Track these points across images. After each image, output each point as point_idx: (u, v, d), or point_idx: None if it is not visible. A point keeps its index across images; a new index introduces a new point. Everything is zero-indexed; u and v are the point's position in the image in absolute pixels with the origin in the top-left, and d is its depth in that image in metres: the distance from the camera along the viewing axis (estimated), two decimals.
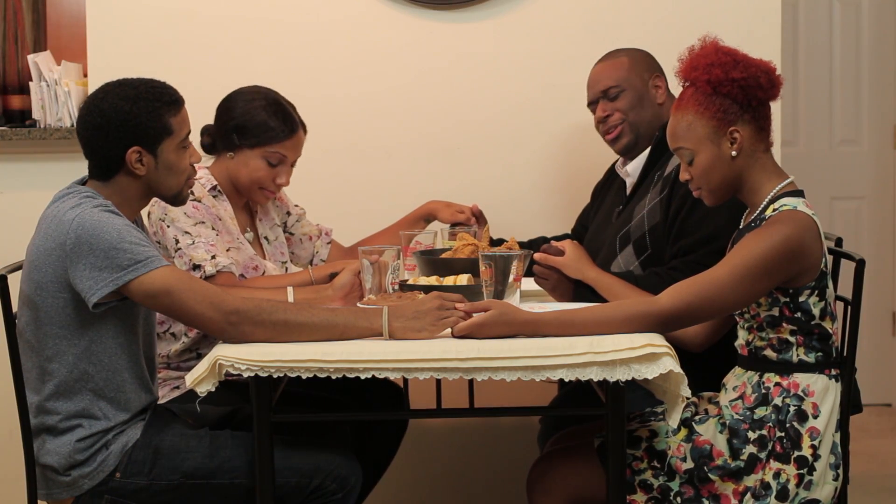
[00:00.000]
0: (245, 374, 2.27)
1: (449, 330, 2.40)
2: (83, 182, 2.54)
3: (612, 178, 3.27)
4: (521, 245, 2.96)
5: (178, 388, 2.86)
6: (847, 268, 2.67)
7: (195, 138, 2.88)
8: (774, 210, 2.47)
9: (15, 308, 2.56)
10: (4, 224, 3.70)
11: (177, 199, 2.59)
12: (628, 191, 3.10)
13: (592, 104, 3.15)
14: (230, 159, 3.02)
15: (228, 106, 3.03)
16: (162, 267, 2.38)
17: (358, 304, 2.57)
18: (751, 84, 2.49)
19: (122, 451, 2.46)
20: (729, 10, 3.65)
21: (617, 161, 3.20)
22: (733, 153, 2.50)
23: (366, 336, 2.38)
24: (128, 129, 2.47)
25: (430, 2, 3.65)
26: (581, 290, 2.73)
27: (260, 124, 2.98)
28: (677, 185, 2.87)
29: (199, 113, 3.08)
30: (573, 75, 3.46)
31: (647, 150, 3.05)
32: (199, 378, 2.29)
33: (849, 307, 2.59)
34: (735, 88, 2.48)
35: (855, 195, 5.39)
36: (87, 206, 2.41)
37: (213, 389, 2.30)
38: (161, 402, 2.75)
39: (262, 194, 3.05)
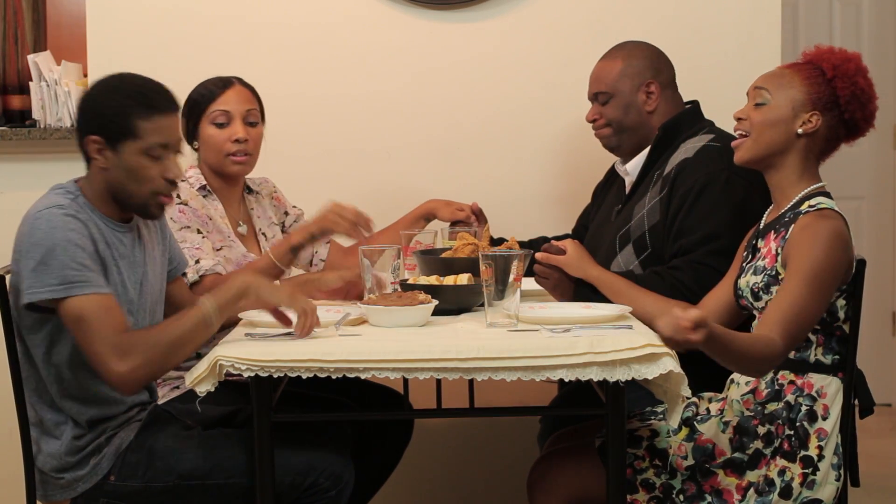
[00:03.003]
0: (245, 374, 2.27)
1: (450, 330, 2.41)
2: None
3: (612, 179, 3.27)
4: (522, 245, 2.96)
5: (177, 387, 2.86)
6: None
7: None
8: (811, 207, 2.48)
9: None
10: (4, 224, 3.68)
11: (142, 211, 2.48)
12: (627, 190, 3.10)
13: (589, 101, 3.16)
14: (199, 150, 3.08)
15: None
16: (84, 296, 2.32)
17: (358, 304, 2.57)
18: (860, 98, 2.53)
19: (115, 454, 2.46)
20: (729, 10, 3.64)
21: (616, 160, 3.20)
22: (799, 131, 2.52)
23: (238, 299, 2.39)
24: (91, 117, 2.43)
25: (430, 2, 3.65)
26: (582, 290, 2.73)
27: (194, 97, 3.06)
28: (677, 185, 2.87)
29: None
30: (574, 75, 3.46)
31: (647, 150, 3.05)
32: (199, 378, 2.29)
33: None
34: (847, 89, 2.52)
35: (855, 195, 5.39)
36: (44, 207, 2.38)
37: (213, 389, 2.30)
38: (161, 401, 2.75)
39: (230, 162, 3.04)
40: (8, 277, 2.49)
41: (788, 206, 2.54)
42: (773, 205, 2.60)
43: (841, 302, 2.47)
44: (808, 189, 2.54)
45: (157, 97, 2.44)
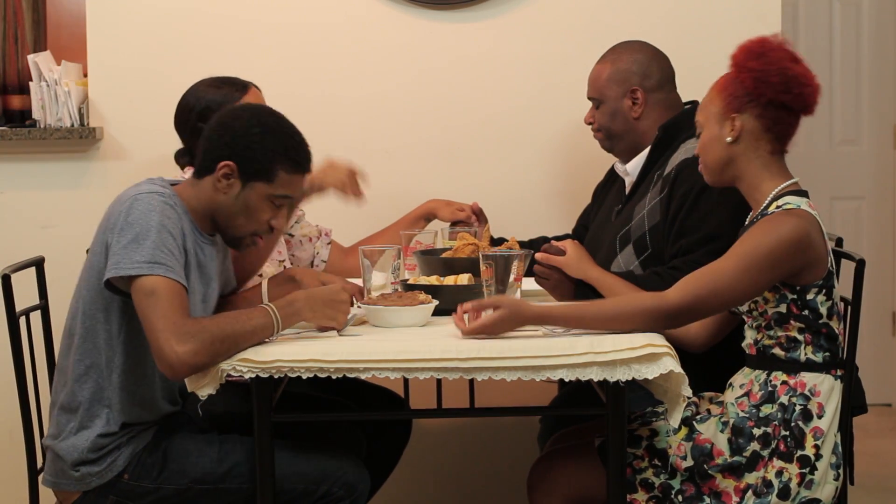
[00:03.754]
0: (246, 376, 2.28)
1: (449, 329, 2.40)
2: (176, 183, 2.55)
3: (612, 179, 3.27)
4: (522, 245, 2.96)
5: None
6: (847, 268, 2.67)
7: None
8: (778, 207, 2.48)
9: (20, 307, 2.57)
10: (4, 224, 3.70)
11: (232, 241, 2.54)
12: (627, 190, 3.10)
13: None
14: None
15: (182, 106, 3.06)
16: (164, 277, 2.34)
17: (358, 304, 2.57)
18: (761, 78, 2.49)
19: (132, 454, 2.46)
20: (729, 10, 3.64)
21: (616, 161, 3.20)
22: (728, 139, 2.51)
23: (293, 322, 2.41)
24: (237, 145, 2.45)
25: (430, 2, 3.65)
26: (582, 290, 2.73)
27: (213, 98, 3.01)
28: (677, 185, 2.87)
29: None
30: (573, 75, 3.46)
31: (647, 150, 3.05)
32: (201, 382, 2.30)
33: (849, 307, 2.59)
34: (748, 78, 2.50)
35: (855, 195, 5.39)
36: (144, 191, 2.41)
37: (214, 392, 2.30)
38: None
39: None
40: (19, 279, 2.50)
41: (759, 210, 2.54)
42: (752, 209, 2.60)
43: (821, 298, 2.47)
44: (777, 189, 2.53)
45: (304, 156, 2.50)
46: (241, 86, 3.05)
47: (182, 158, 3.11)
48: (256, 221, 2.48)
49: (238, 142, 2.45)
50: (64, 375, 2.49)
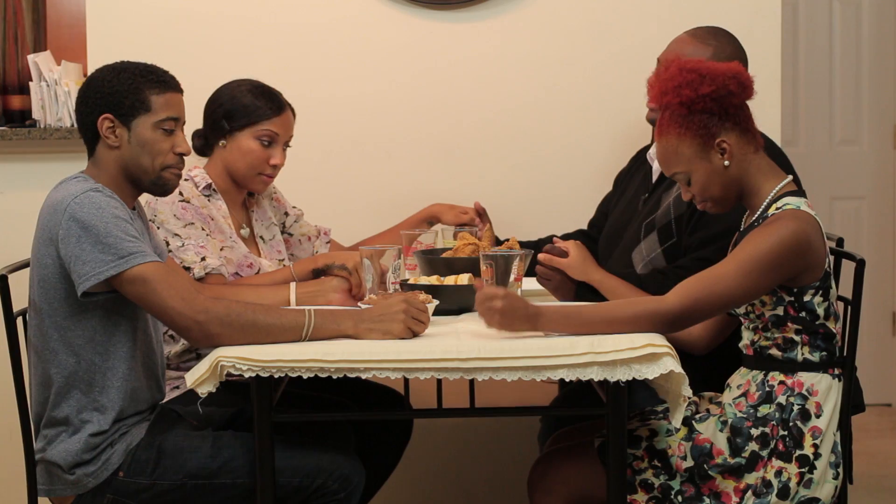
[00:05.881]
0: (246, 375, 2.27)
1: (450, 329, 2.40)
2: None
3: (636, 166, 3.25)
4: (529, 244, 2.96)
5: (177, 388, 2.86)
6: (847, 268, 2.67)
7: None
8: (778, 209, 2.47)
9: (17, 308, 2.56)
10: (4, 224, 3.70)
11: (156, 186, 2.54)
12: (654, 178, 3.08)
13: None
14: (223, 149, 3.03)
15: (215, 97, 3.08)
16: (146, 263, 2.37)
17: (359, 305, 2.57)
18: (722, 94, 2.48)
19: (126, 451, 2.46)
20: (729, 10, 3.64)
21: (648, 149, 3.16)
22: (725, 163, 2.50)
23: (334, 337, 2.39)
24: (102, 96, 2.49)
25: (430, 2, 3.65)
26: (584, 292, 2.73)
27: (247, 105, 3.02)
28: None
29: (199, 112, 3.09)
30: (574, 75, 3.46)
31: None
32: (200, 379, 2.29)
33: (849, 307, 2.59)
34: (708, 102, 2.48)
35: (855, 195, 5.39)
36: (79, 192, 2.41)
37: (214, 391, 2.30)
38: (162, 402, 2.75)
39: (259, 180, 3.05)
40: (18, 279, 2.49)
41: (759, 210, 2.53)
42: (748, 211, 2.59)
43: (818, 299, 2.47)
44: (774, 191, 2.52)
45: (166, 76, 2.56)
46: (277, 106, 3.03)
47: (197, 139, 3.11)
48: (158, 153, 2.51)
49: (99, 94, 2.49)
50: (43, 390, 2.49)
